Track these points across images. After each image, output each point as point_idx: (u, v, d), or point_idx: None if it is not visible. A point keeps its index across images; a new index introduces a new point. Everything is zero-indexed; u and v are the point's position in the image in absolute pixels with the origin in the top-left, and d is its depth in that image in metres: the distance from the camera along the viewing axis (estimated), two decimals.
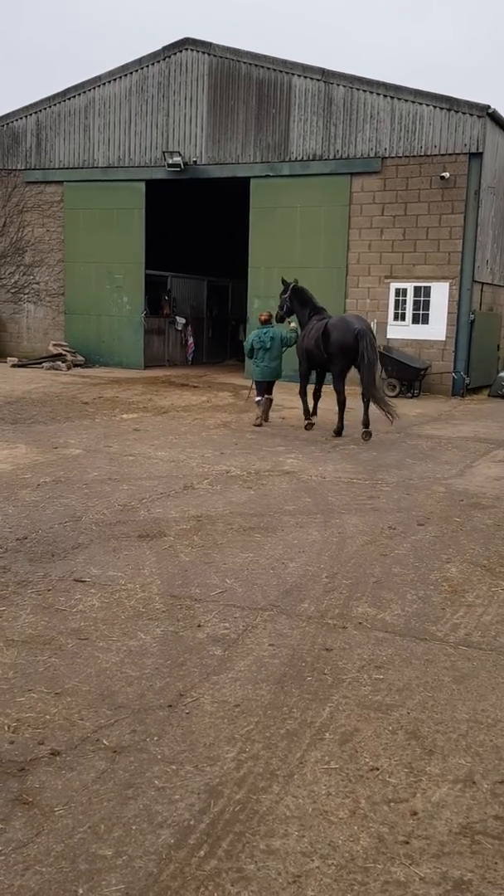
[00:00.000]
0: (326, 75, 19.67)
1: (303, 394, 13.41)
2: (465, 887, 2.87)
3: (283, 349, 13.59)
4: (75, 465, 9.66)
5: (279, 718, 3.98)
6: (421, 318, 19.57)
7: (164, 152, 21.36)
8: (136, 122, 21.96)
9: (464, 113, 18.51)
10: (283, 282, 14.00)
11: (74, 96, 22.62)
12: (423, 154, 19.02)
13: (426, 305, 19.49)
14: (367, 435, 12.42)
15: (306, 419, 13.32)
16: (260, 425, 13.33)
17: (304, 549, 6.74)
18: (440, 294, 19.28)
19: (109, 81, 22.11)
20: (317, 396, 13.73)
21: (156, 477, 9.22)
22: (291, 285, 13.72)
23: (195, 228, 28.45)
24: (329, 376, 13.26)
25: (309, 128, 20.01)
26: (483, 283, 19.86)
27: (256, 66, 20.36)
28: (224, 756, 3.64)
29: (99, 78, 22.21)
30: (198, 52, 20.95)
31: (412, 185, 19.27)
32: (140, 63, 21.68)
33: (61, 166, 23.11)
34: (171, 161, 21.17)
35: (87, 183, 22.82)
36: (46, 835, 3.08)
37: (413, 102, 18.95)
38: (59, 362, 22.22)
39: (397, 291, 19.79)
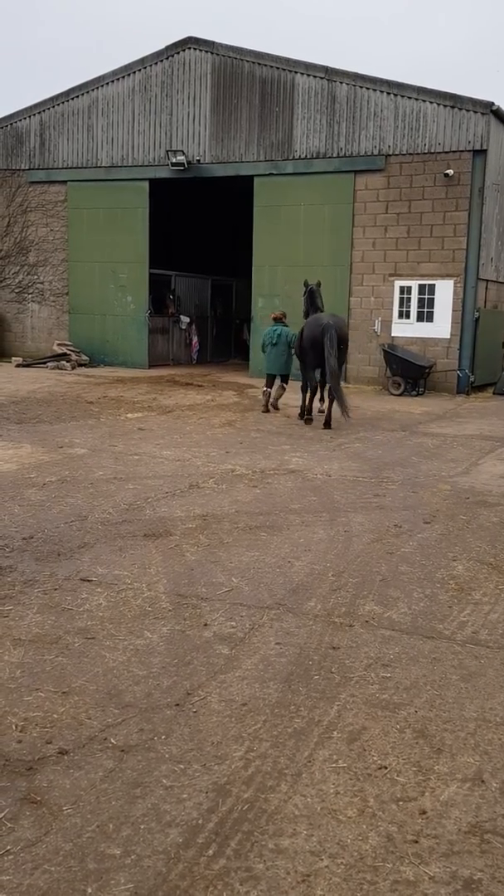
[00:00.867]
0: (329, 73, 19.65)
1: (303, 390, 13.98)
2: (475, 886, 2.86)
3: (292, 349, 14.56)
4: (80, 465, 9.66)
5: (287, 717, 3.98)
6: (425, 315, 19.54)
7: (167, 151, 21.36)
8: (139, 121, 21.96)
9: (467, 110, 18.47)
10: (305, 283, 14.85)
11: (78, 96, 22.63)
12: (426, 151, 18.99)
13: (430, 303, 19.46)
14: (310, 421, 13.48)
15: (305, 415, 13.85)
16: (267, 411, 14.70)
17: (311, 548, 6.73)
18: (445, 292, 19.24)
19: (112, 81, 22.11)
20: (313, 393, 13.99)
21: (161, 476, 9.22)
22: (310, 287, 14.53)
23: (199, 227, 28.45)
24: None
25: (312, 126, 19.99)
26: (487, 281, 19.82)
27: (259, 64, 20.34)
28: (232, 755, 3.63)
29: (102, 77, 22.22)
30: (201, 50, 20.94)
31: (416, 183, 19.24)
32: (143, 62, 21.67)
33: (65, 166, 23.13)
34: (174, 160, 21.17)
35: (90, 182, 22.84)
36: (55, 834, 3.08)
37: (416, 100, 18.91)
38: (64, 362, 22.24)
39: (402, 289, 19.75)
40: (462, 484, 9.35)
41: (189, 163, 21.21)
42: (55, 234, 23.70)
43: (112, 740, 3.72)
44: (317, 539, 7.00)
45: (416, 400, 17.97)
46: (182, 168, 21.23)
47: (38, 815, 3.19)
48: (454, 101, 18.56)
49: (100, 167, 22.63)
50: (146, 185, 22.16)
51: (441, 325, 19.40)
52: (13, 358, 23.70)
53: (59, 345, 23.33)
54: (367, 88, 19.36)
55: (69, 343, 23.52)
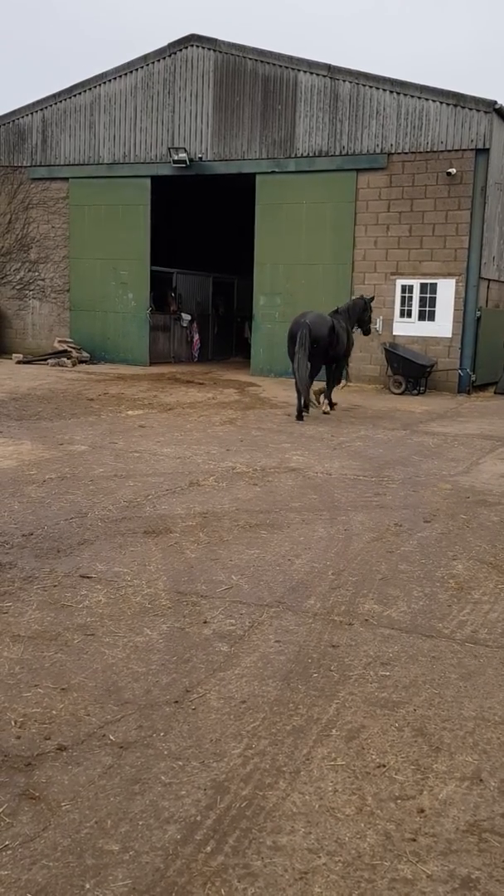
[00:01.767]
0: (332, 71, 19.62)
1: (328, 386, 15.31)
2: (473, 885, 2.86)
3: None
4: (81, 462, 9.66)
5: (285, 715, 3.98)
6: (427, 314, 19.53)
7: (169, 148, 21.34)
8: (141, 118, 21.94)
9: (470, 109, 18.44)
10: (361, 297, 16.03)
11: (80, 93, 22.61)
12: (429, 150, 18.97)
13: (432, 302, 19.44)
14: (300, 417, 13.94)
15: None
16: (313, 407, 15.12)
17: (311, 546, 6.73)
18: (446, 291, 19.23)
19: (115, 78, 22.09)
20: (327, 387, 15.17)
21: (161, 473, 9.22)
22: (364, 301, 15.81)
23: (201, 225, 28.43)
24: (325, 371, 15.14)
25: (314, 124, 19.97)
26: (489, 280, 19.81)
27: (262, 62, 20.31)
28: (230, 752, 3.63)
29: (104, 75, 22.20)
30: (203, 48, 20.92)
31: (418, 182, 19.22)
32: (145, 60, 21.65)
33: (67, 163, 23.11)
34: (176, 157, 21.15)
35: (92, 179, 22.82)
36: (53, 829, 3.08)
37: (419, 98, 18.88)
38: (65, 359, 22.24)
39: (403, 288, 19.74)
40: (463, 483, 9.35)
41: (191, 160, 21.19)
42: (56, 230, 23.69)
43: (111, 737, 3.72)
44: (317, 537, 7.00)
45: (417, 399, 17.97)
46: (184, 166, 21.21)
47: (36, 810, 3.19)
48: (457, 100, 18.53)
49: (101, 164, 22.62)
50: (148, 182, 22.15)
51: (442, 325, 19.38)
52: (14, 355, 23.69)
53: (59, 342, 23.33)
54: (370, 87, 19.34)
55: (70, 340, 23.52)
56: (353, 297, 16.53)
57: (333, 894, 2.80)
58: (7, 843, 3.00)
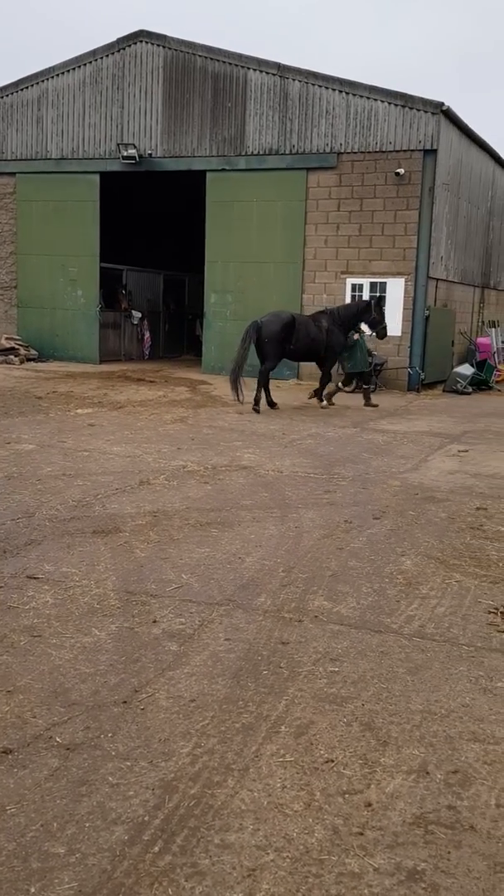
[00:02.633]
0: (282, 70, 19.67)
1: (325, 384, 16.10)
2: (419, 877, 2.90)
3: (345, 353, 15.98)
4: (28, 461, 9.53)
5: (235, 712, 3.97)
6: None
7: (118, 144, 21.17)
8: (90, 113, 21.71)
9: (418, 110, 18.66)
10: (371, 297, 17.12)
11: (27, 87, 22.28)
12: (378, 150, 19.14)
13: (383, 301, 19.58)
14: (256, 410, 14.63)
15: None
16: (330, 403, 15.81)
17: (261, 544, 6.74)
18: (396, 290, 19.42)
19: (63, 73, 21.82)
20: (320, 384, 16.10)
21: (111, 472, 9.14)
22: (373, 299, 16.45)
23: (152, 222, 28.25)
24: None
25: (265, 122, 19.99)
26: (438, 280, 20.06)
27: (212, 59, 20.27)
28: (179, 751, 3.62)
29: (52, 69, 21.92)
30: (152, 44, 20.79)
31: (367, 181, 19.38)
32: (94, 55, 21.43)
33: (13, 157, 22.77)
34: (125, 153, 20.99)
35: (40, 175, 22.51)
36: None
37: (368, 98, 19.04)
38: (12, 356, 21.91)
39: (353, 287, 19.88)
40: (411, 480, 9.46)
41: (140, 156, 21.05)
42: (3, 226, 23.32)
43: (57, 739, 3.67)
44: (267, 535, 7.01)
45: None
46: (133, 162, 21.06)
47: None
48: (405, 101, 18.73)
49: (49, 159, 22.33)
50: (97, 178, 21.94)
51: (392, 323, 19.53)
52: None
53: (6, 339, 22.96)
54: (320, 86, 19.43)
55: (17, 337, 23.17)
56: (364, 298, 17.78)
57: (281, 890, 2.81)
58: None
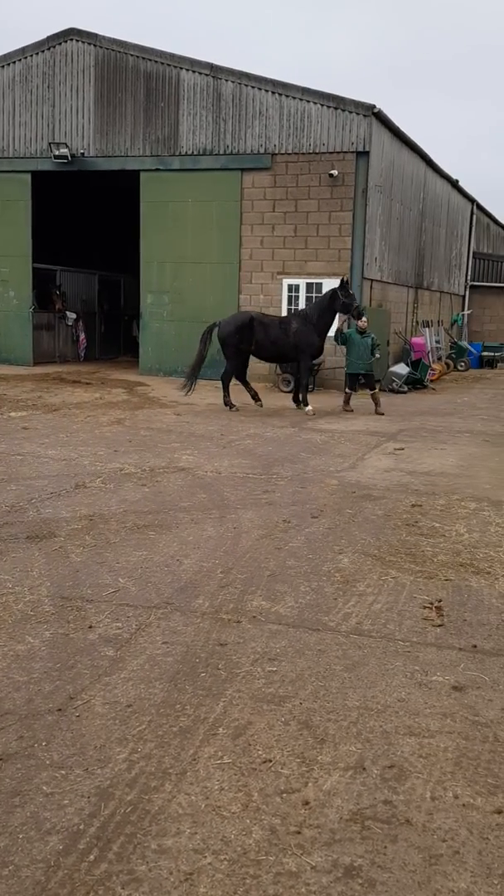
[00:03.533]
0: (214, 70, 19.65)
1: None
2: (356, 873, 2.91)
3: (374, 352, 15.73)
4: None
5: (172, 716, 3.94)
6: None
7: (50, 144, 20.87)
8: (20, 112, 21.35)
9: (350, 112, 18.85)
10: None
11: None
12: (311, 151, 19.27)
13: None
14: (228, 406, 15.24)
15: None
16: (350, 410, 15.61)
17: (200, 546, 6.71)
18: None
19: None
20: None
21: (46, 476, 9.00)
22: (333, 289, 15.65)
23: (86, 222, 27.93)
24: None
25: (198, 122, 19.95)
26: (372, 280, 20.30)
27: (144, 58, 20.14)
28: (115, 757, 3.57)
29: None
30: (83, 42, 20.56)
31: (302, 182, 19.50)
32: (23, 52, 21.08)
33: None
34: (57, 153, 20.70)
35: None
36: None
37: (301, 100, 19.16)
38: None
39: (290, 287, 19.98)
40: (349, 478, 9.54)
41: (73, 156, 20.79)
42: None
43: None
44: (206, 536, 6.98)
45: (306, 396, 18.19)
46: (66, 161, 20.79)
47: None
48: (337, 103, 18.91)
49: None
50: (28, 177, 21.58)
51: None
52: None
53: None
54: (253, 87, 19.48)
55: None
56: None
57: (219, 893, 2.79)
58: None
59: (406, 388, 20.02)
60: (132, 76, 20.30)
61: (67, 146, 20.72)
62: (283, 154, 19.53)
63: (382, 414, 15.25)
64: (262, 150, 19.62)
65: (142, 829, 3.11)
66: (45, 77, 21.00)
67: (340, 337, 15.77)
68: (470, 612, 5.42)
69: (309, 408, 15.08)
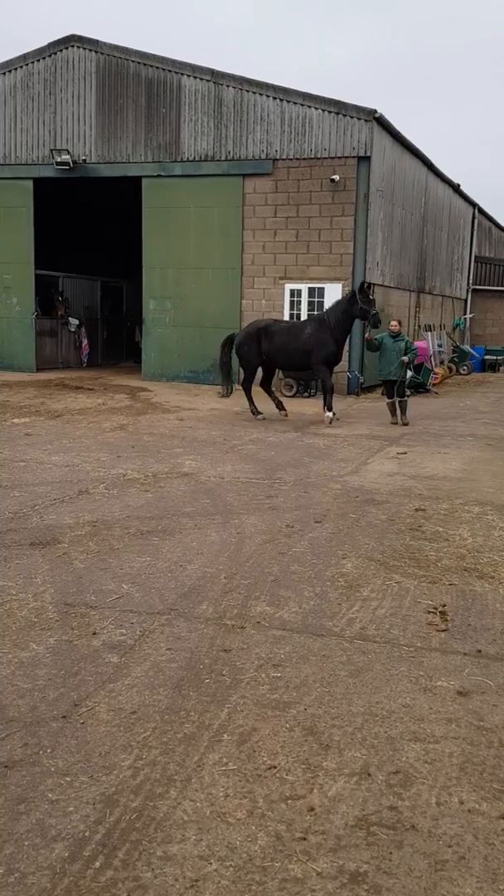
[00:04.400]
0: (216, 76, 19.70)
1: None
2: (361, 879, 2.91)
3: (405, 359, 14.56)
4: None
5: (177, 723, 3.94)
6: None
7: (51, 150, 20.92)
8: (22, 119, 21.41)
9: (352, 117, 18.89)
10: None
11: None
12: (313, 157, 19.30)
13: (320, 306, 19.73)
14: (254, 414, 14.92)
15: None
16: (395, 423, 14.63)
17: (203, 551, 6.71)
18: (334, 295, 19.50)
19: None
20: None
21: (49, 483, 9.01)
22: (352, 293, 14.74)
23: (88, 228, 27.99)
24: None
25: (200, 128, 20.00)
26: (374, 285, 20.30)
27: (145, 65, 20.20)
28: (120, 764, 3.57)
29: None
30: (84, 49, 20.62)
31: (303, 188, 19.52)
32: (25, 59, 21.15)
33: None
34: (59, 159, 20.75)
35: None
36: None
37: (302, 105, 19.20)
38: None
39: (292, 292, 20.01)
40: (352, 483, 9.54)
41: (75, 162, 20.84)
42: None
43: None
44: (209, 542, 6.99)
45: (307, 401, 18.23)
46: (67, 167, 20.84)
47: None
48: (339, 108, 18.94)
49: None
50: (30, 184, 21.63)
51: None
52: None
53: None
54: (254, 92, 19.52)
55: None
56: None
57: None
58: None
59: (409, 392, 20.00)
60: (133, 82, 20.36)
61: (69, 153, 20.77)
62: (284, 159, 19.56)
63: (407, 424, 14.40)
64: (263, 156, 19.66)
65: (147, 835, 3.11)
66: (46, 84, 21.07)
67: (373, 344, 14.69)
68: (474, 616, 5.42)
69: (329, 414, 14.34)
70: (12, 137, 21.55)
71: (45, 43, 20.96)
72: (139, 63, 20.24)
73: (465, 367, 26.99)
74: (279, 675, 4.49)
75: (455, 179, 27.63)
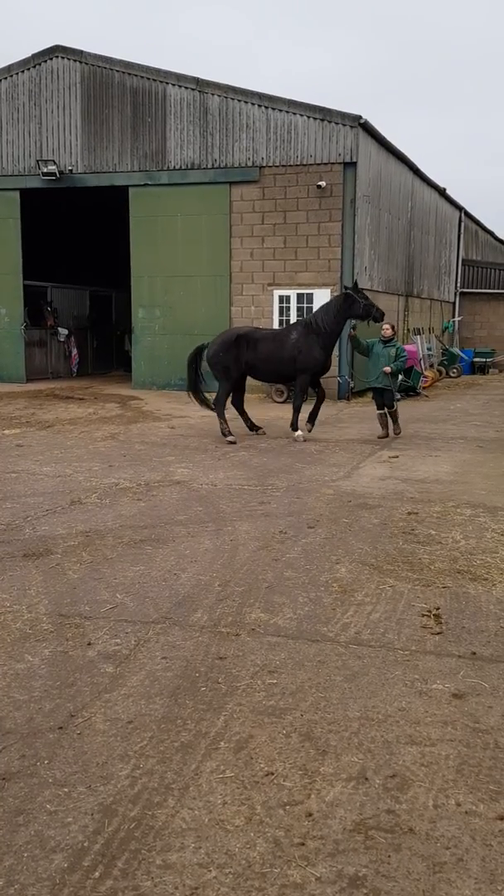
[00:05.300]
0: (201, 84, 19.78)
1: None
2: (360, 883, 2.92)
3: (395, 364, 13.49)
4: None
5: (173, 731, 3.95)
6: None
7: (37, 161, 20.95)
8: (7, 130, 21.43)
9: (337, 123, 18.98)
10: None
11: None
12: (299, 163, 19.39)
13: (310, 312, 19.80)
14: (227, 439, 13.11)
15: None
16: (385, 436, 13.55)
17: (197, 559, 6.72)
18: (322, 300, 19.59)
19: None
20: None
21: (41, 493, 9.00)
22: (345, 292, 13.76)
23: (76, 238, 28.02)
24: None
25: (186, 136, 20.06)
26: (363, 290, 20.35)
27: (130, 74, 20.26)
28: (118, 774, 3.58)
29: None
30: (69, 59, 20.68)
31: (290, 194, 19.60)
32: (9, 70, 21.18)
33: None
34: (45, 170, 20.78)
35: None
36: None
37: (287, 112, 19.29)
38: None
39: (281, 298, 20.06)
40: (344, 488, 9.56)
41: (61, 172, 20.88)
42: None
43: None
44: (203, 549, 6.99)
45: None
46: (54, 178, 20.87)
47: None
48: (324, 115, 19.03)
49: None
50: (17, 195, 21.65)
51: None
52: None
53: None
54: (239, 100, 19.60)
55: None
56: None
57: None
58: None
59: (399, 396, 20.06)
60: (118, 92, 20.42)
61: (55, 163, 20.80)
62: (270, 166, 19.63)
63: (399, 433, 13.70)
64: (249, 163, 19.73)
65: (146, 844, 3.11)
66: (31, 94, 21.11)
67: (361, 345, 13.61)
68: (468, 618, 5.44)
69: (299, 433, 13.23)
70: None
71: (30, 54, 21.00)
72: (124, 73, 20.30)
73: (454, 370, 27.10)
74: (275, 681, 4.50)
75: (441, 184, 27.79)
